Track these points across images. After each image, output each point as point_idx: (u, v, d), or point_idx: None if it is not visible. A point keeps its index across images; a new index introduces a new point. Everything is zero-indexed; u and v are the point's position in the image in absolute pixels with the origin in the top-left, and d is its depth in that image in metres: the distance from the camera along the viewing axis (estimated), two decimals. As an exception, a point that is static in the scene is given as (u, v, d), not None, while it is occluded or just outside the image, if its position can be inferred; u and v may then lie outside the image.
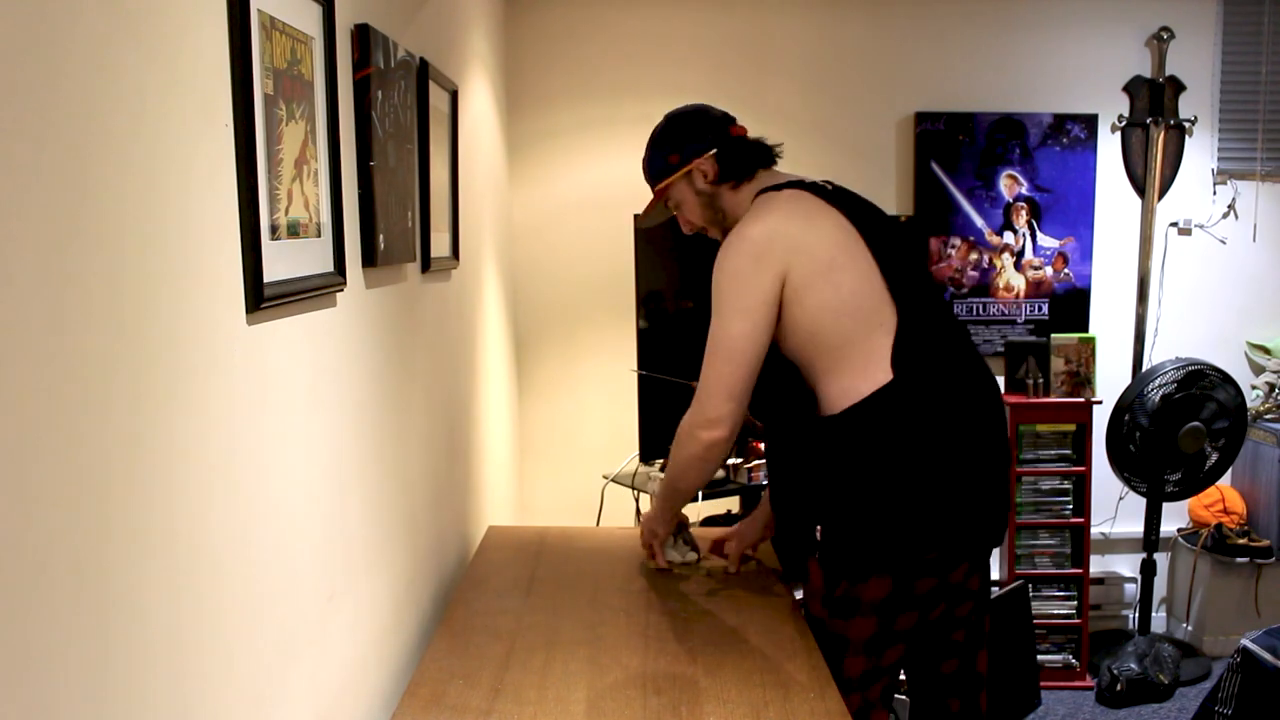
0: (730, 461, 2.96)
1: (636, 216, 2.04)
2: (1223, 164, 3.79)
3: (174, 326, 0.92)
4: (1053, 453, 3.56)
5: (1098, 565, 3.81)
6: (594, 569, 2.14)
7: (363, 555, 1.54)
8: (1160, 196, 3.74)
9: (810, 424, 1.75)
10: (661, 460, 3.01)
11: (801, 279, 1.68)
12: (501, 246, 3.32)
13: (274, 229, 1.13)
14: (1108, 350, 3.79)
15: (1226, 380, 3.42)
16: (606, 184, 3.60)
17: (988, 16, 3.70)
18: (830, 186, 1.82)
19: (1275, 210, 3.83)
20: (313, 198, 1.28)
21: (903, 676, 1.93)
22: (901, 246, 1.79)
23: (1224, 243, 3.83)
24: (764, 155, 1.88)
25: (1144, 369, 3.66)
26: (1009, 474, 1.82)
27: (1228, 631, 3.64)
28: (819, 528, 1.81)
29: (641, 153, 1.94)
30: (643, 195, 1.96)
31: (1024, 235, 3.75)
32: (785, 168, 1.91)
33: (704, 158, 1.85)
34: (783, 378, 1.79)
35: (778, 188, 1.80)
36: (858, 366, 1.67)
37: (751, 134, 1.89)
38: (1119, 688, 3.38)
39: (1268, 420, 3.70)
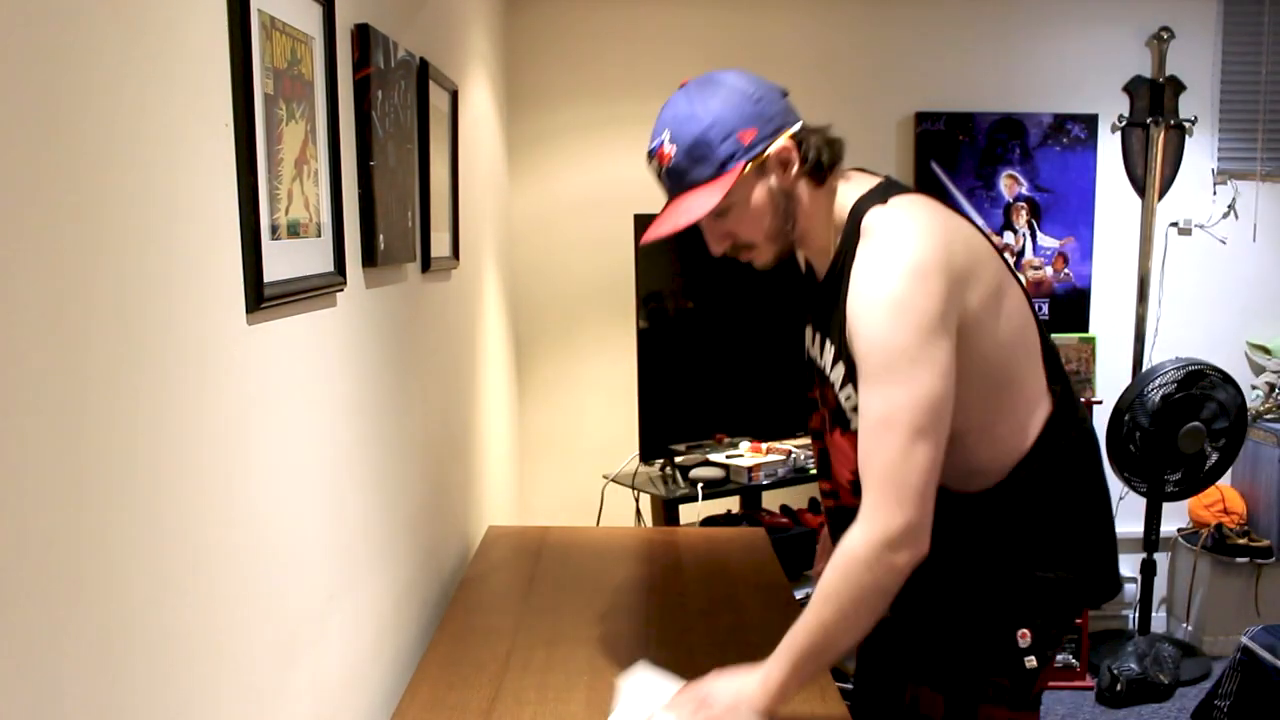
0: (732, 462, 2.95)
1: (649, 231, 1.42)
2: (1223, 164, 3.79)
3: (174, 326, 0.92)
4: (1053, 453, 3.55)
5: (1098, 565, 3.81)
6: (594, 569, 2.14)
7: (363, 555, 1.54)
8: (1160, 196, 3.74)
9: (965, 507, 1.34)
10: (662, 461, 3.01)
11: (976, 312, 1.27)
12: (501, 246, 3.32)
13: (274, 229, 1.13)
14: (1108, 350, 3.79)
15: (1226, 380, 3.41)
16: (606, 184, 3.60)
17: (988, 16, 3.70)
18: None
19: (1275, 210, 3.83)
20: (313, 198, 1.28)
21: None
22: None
23: (1224, 243, 3.83)
24: (838, 150, 1.40)
25: (1144, 369, 3.66)
26: None
27: (1228, 631, 3.63)
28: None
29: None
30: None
31: (1024, 235, 3.75)
32: None
33: (786, 138, 1.34)
34: None
35: (885, 190, 1.36)
36: (1018, 408, 1.34)
37: None
38: (1119, 688, 3.38)
39: (1268, 420, 3.69)
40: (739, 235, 1.38)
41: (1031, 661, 1.37)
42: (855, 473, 1.30)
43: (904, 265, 1.22)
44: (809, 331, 1.48)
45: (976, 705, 1.39)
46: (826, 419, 1.43)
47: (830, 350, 1.37)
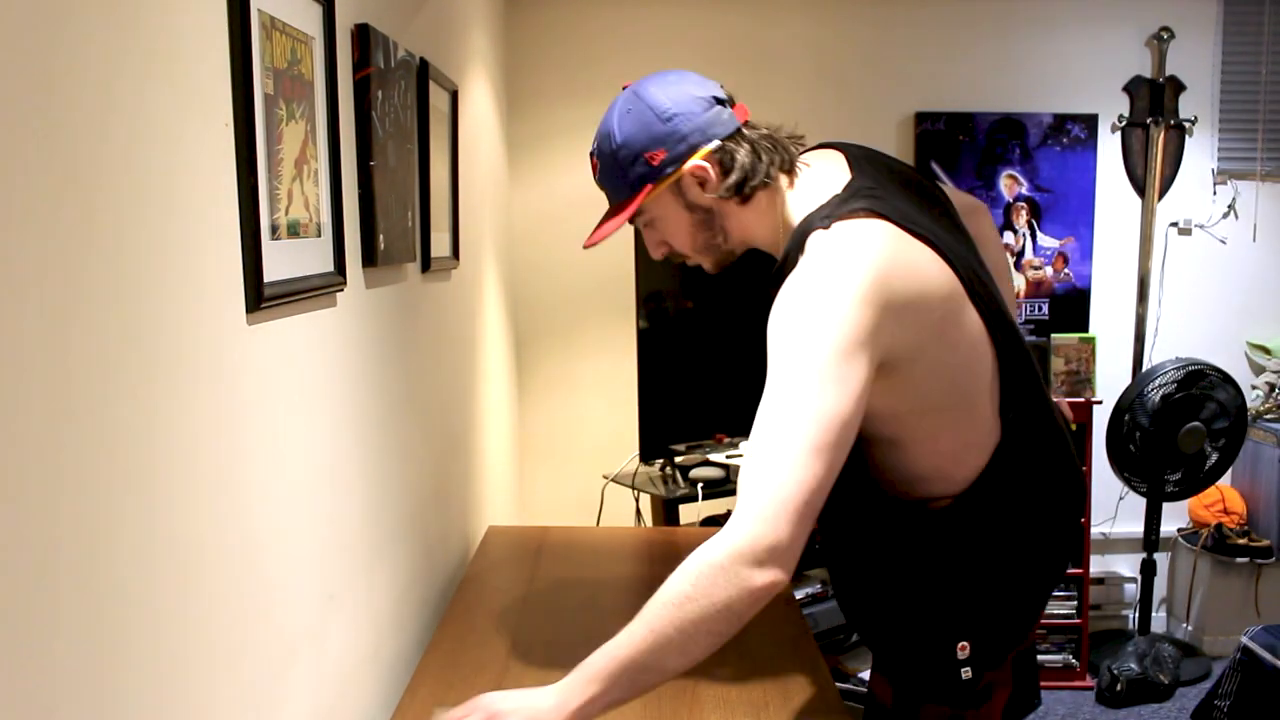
0: (732, 462, 2.95)
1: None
2: (1223, 164, 3.79)
3: (174, 326, 0.92)
4: (1053, 453, 3.55)
5: (1098, 565, 3.81)
6: (594, 569, 2.14)
7: (363, 555, 1.54)
8: (1160, 196, 3.74)
9: (909, 518, 1.33)
10: (662, 461, 3.00)
11: (917, 342, 1.22)
12: (501, 246, 3.32)
13: (274, 229, 1.13)
14: (1108, 350, 3.79)
15: (1226, 380, 3.42)
16: (606, 184, 3.59)
17: (988, 16, 3.70)
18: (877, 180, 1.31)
19: (1275, 210, 3.83)
20: (313, 198, 1.28)
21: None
22: (973, 250, 1.37)
23: (1224, 243, 3.83)
24: (784, 154, 1.33)
25: (1144, 369, 3.66)
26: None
27: (1228, 631, 3.63)
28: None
29: None
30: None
31: (1024, 235, 3.75)
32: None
33: (701, 156, 1.29)
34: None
35: (841, 204, 1.24)
36: (964, 429, 1.30)
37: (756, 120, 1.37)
38: (1119, 688, 3.38)
39: (1268, 420, 3.69)
40: (671, 245, 1.39)
41: (967, 673, 1.34)
42: None
43: (828, 288, 1.15)
44: None
45: (920, 702, 1.38)
46: None
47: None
